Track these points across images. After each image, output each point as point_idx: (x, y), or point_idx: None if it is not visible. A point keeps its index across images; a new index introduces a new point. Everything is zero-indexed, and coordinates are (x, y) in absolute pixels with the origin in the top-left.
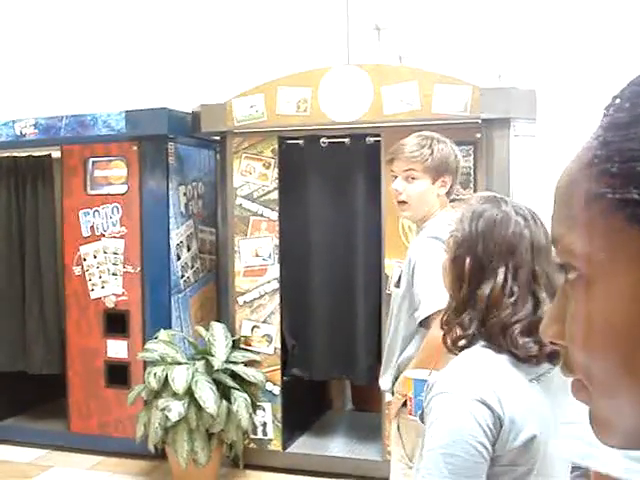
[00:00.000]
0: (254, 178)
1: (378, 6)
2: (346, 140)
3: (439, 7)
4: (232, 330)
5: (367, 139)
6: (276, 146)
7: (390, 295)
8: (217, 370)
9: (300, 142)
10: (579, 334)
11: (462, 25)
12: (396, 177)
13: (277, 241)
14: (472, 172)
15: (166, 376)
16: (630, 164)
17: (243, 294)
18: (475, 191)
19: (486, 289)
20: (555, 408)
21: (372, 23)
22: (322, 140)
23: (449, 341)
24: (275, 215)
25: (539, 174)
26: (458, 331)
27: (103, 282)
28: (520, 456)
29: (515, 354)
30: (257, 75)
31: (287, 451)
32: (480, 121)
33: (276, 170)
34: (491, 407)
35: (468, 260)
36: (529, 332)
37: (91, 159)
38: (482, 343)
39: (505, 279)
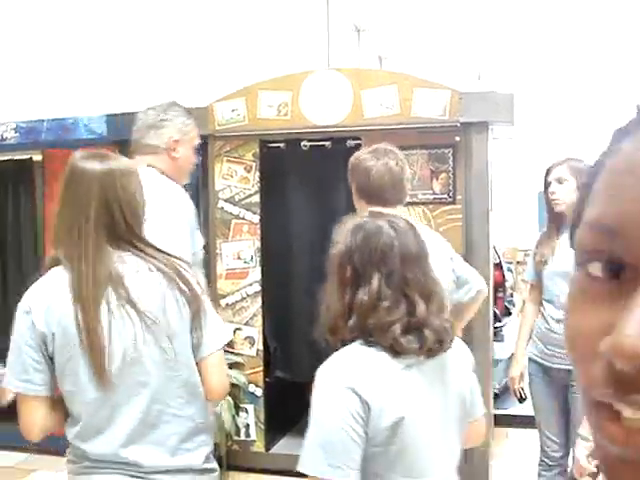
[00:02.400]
0: (235, 181)
1: (358, 8)
2: (327, 143)
3: (419, 9)
4: None
5: (348, 142)
6: (257, 150)
7: None
8: None
9: (281, 145)
10: None
11: (442, 27)
12: None
13: (259, 244)
14: (452, 175)
15: None
16: None
17: (225, 297)
18: (455, 194)
19: (363, 295)
20: (433, 392)
21: (352, 25)
22: (303, 144)
23: (338, 344)
24: (257, 218)
25: (517, 175)
26: (345, 334)
27: None
28: (390, 436)
29: (393, 349)
30: (238, 79)
31: (270, 452)
32: (459, 125)
33: (257, 173)
34: (359, 394)
35: (349, 269)
36: (408, 330)
37: None
38: (360, 341)
39: (379, 285)
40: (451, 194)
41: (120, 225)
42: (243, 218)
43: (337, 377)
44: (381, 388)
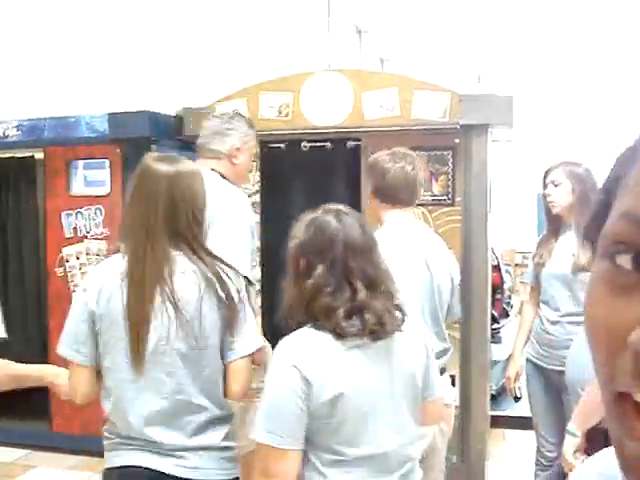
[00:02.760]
0: None
1: (359, 10)
2: (327, 144)
3: (420, 11)
4: None
5: (348, 143)
6: (258, 150)
7: None
8: None
9: (282, 146)
10: None
11: (442, 29)
12: None
13: (259, 244)
14: (451, 177)
15: None
16: None
17: None
18: (454, 196)
19: (309, 282)
20: (375, 371)
21: (353, 26)
22: (303, 144)
23: (294, 328)
24: (257, 218)
25: (516, 177)
26: (299, 319)
27: None
28: (330, 410)
29: (336, 331)
30: (239, 79)
31: None
32: (459, 127)
33: (258, 174)
34: (301, 371)
35: (302, 260)
36: (350, 314)
37: (74, 161)
38: (309, 325)
39: (323, 273)
40: (450, 196)
41: (182, 224)
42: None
43: (284, 356)
44: (322, 366)
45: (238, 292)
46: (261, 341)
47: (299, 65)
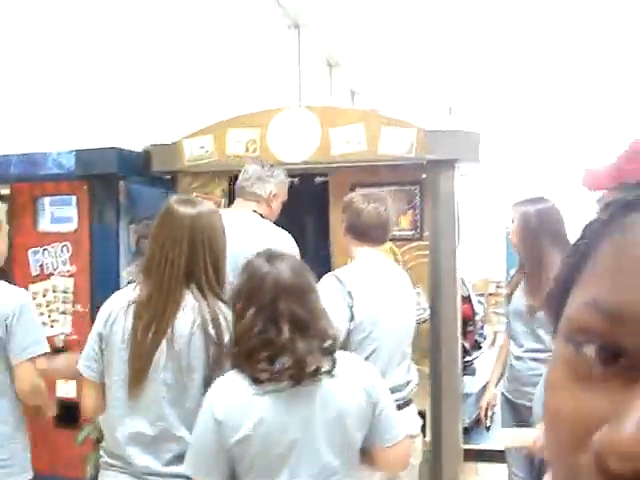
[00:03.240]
0: None
1: (330, 44)
2: (295, 180)
3: (392, 44)
4: None
5: (315, 179)
6: (226, 186)
7: None
8: None
9: None
10: None
11: (414, 62)
12: None
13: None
14: (419, 212)
15: None
16: None
17: None
18: (422, 230)
19: (239, 325)
20: (291, 416)
21: (324, 60)
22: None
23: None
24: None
25: (483, 210)
26: (231, 360)
27: (52, 321)
28: (240, 450)
29: (253, 375)
30: (208, 115)
31: None
32: (425, 162)
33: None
34: (214, 412)
35: (238, 304)
36: (271, 358)
37: (41, 197)
38: (235, 369)
39: (252, 316)
40: (418, 230)
41: (199, 265)
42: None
43: (207, 398)
44: (231, 409)
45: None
46: None
47: (270, 100)
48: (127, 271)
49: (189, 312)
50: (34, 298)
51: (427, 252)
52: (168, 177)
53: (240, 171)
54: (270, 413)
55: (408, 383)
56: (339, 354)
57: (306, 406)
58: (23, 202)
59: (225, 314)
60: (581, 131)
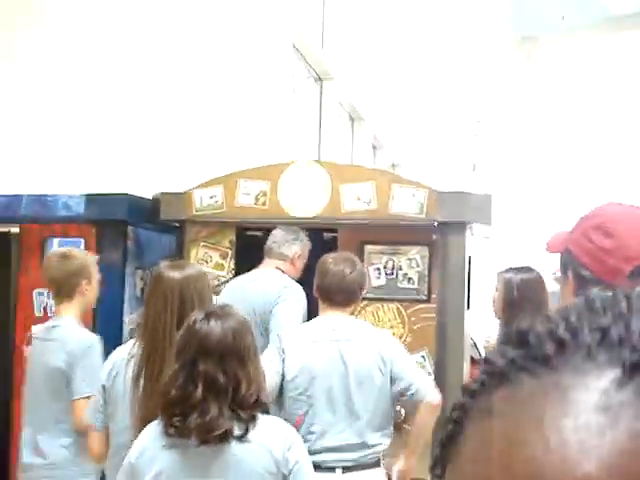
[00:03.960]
0: (210, 267)
1: (353, 98)
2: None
3: (415, 99)
4: None
5: (325, 235)
6: (234, 237)
7: None
8: None
9: (258, 234)
10: None
11: (438, 118)
12: None
13: None
14: (427, 273)
15: None
16: None
17: None
18: (429, 292)
19: (166, 378)
20: (190, 473)
21: (347, 114)
22: None
23: None
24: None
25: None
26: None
27: None
28: None
29: (165, 428)
30: (224, 165)
31: None
32: (436, 224)
33: (233, 261)
34: (130, 458)
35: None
36: (184, 415)
37: (49, 238)
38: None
39: (175, 372)
40: (426, 292)
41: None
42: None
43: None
44: (142, 456)
45: None
46: None
47: (289, 153)
48: (130, 318)
49: None
50: None
51: (433, 315)
52: (177, 225)
53: (248, 223)
54: (170, 467)
55: (367, 446)
56: (261, 419)
57: (207, 468)
58: (31, 243)
59: None
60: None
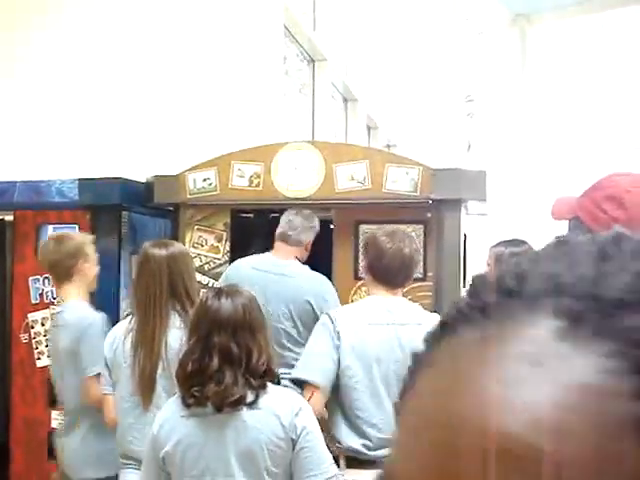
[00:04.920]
0: (205, 250)
1: (346, 78)
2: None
3: (409, 78)
4: None
5: (318, 215)
6: (228, 219)
7: None
8: None
9: (252, 216)
10: None
11: (433, 97)
12: None
13: None
14: (422, 251)
15: None
16: None
17: None
18: (425, 271)
19: (183, 352)
20: (208, 439)
21: (340, 94)
22: (273, 215)
23: None
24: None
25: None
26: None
27: None
28: (166, 462)
29: (184, 399)
30: (216, 146)
31: None
32: (430, 201)
33: (228, 243)
34: (152, 429)
35: (188, 332)
36: (201, 385)
37: (43, 225)
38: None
39: (192, 346)
40: (422, 271)
41: (179, 292)
42: (212, 288)
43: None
44: (162, 427)
45: None
46: None
47: (282, 134)
48: (127, 302)
49: (177, 330)
50: (32, 327)
51: (430, 293)
52: (170, 209)
53: (243, 205)
54: (189, 436)
55: None
56: (271, 388)
57: (222, 434)
58: (25, 229)
59: None
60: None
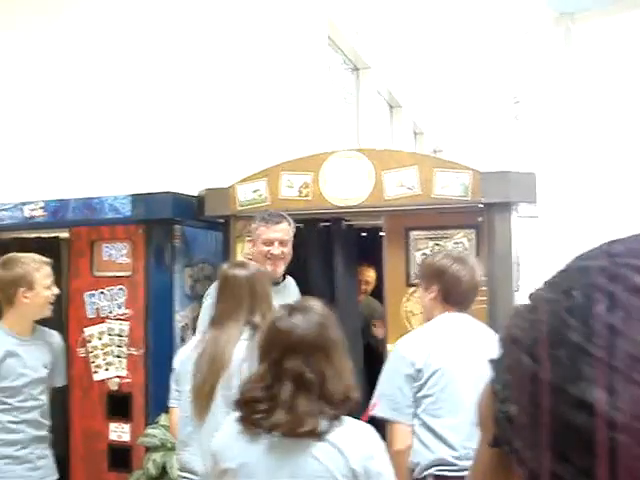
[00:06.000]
0: None
1: (390, 85)
2: (348, 224)
3: (454, 83)
4: None
5: (368, 223)
6: None
7: None
8: None
9: (301, 226)
10: None
11: (478, 100)
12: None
13: None
14: (475, 255)
15: (164, 463)
16: None
17: None
18: None
19: (249, 377)
20: (270, 465)
21: (385, 102)
22: (322, 224)
23: None
24: None
25: (543, 253)
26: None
27: (107, 364)
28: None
29: (247, 422)
30: (264, 158)
31: None
32: (481, 205)
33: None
34: (211, 445)
35: (261, 356)
36: (267, 410)
37: (98, 241)
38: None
39: (261, 370)
40: None
41: (257, 313)
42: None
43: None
44: (221, 444)
45: None
46: None
47: (328, 143)
48: (181, 315)
49: (241, 343)
50: (89, 341)
51: (484, 298)
52: (221, 221)
53: (292, 214)
54: (256, 458)
55: None
56: (347, 421)
57: (281, 459)
58: (80, 246)
59: None
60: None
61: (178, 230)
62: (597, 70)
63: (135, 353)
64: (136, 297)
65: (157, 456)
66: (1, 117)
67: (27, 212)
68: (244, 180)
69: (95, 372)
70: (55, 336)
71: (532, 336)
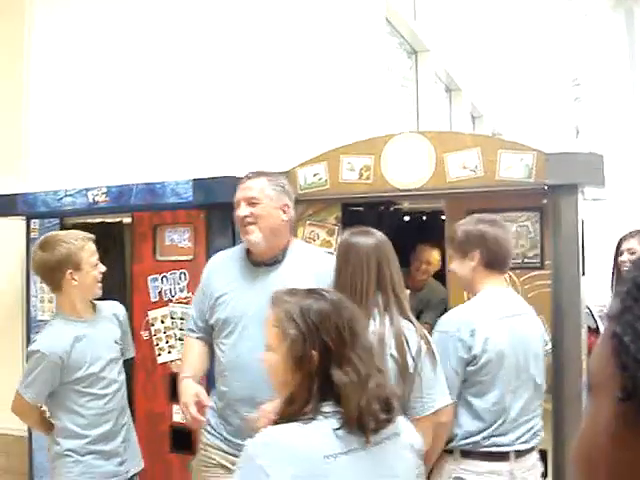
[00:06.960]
0: (318, 245)
1: (449, 69)
2: (410, 206)
3: (512, 65)
4: None
5: (431, 205)
6: (339, 213)
7: None
8: None
9: (362, 209)
10: None
11: (537, 83)
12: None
13: None
14: (539, 238)
15: None
16: None
17: None
18: (543, 259)
19: (345, 376)
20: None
21: (443, 85)
22: (384, 206)
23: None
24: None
25: (611, 236)
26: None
27: (170, 347)
28: None
29: (359, 422)
30: (324, 141)
31: None
32: (546, 187)
33: (339, 237)
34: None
35: (314, 353)
36: (379, 404)
37: (160, 226)
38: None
39: (357, 363)
40: (539, 259)
41: (386, 283)
42: None
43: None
44: (305, 470)
45: (420, 348)
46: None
47: (388, 127)
48: None
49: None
50: (153, 324)
51: (549, 282)
52: None
53: (353, 198)
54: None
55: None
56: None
57: (380, 466)
58: (143, 231)
59: (406, 333)
60: None
61: None
62: None
63: None
64: (197, 281)
65: None
66: (64, 104)
67: (90, 197)
68: (304, 164)
69: (158, 355)
70: (117, 306)
71: None
